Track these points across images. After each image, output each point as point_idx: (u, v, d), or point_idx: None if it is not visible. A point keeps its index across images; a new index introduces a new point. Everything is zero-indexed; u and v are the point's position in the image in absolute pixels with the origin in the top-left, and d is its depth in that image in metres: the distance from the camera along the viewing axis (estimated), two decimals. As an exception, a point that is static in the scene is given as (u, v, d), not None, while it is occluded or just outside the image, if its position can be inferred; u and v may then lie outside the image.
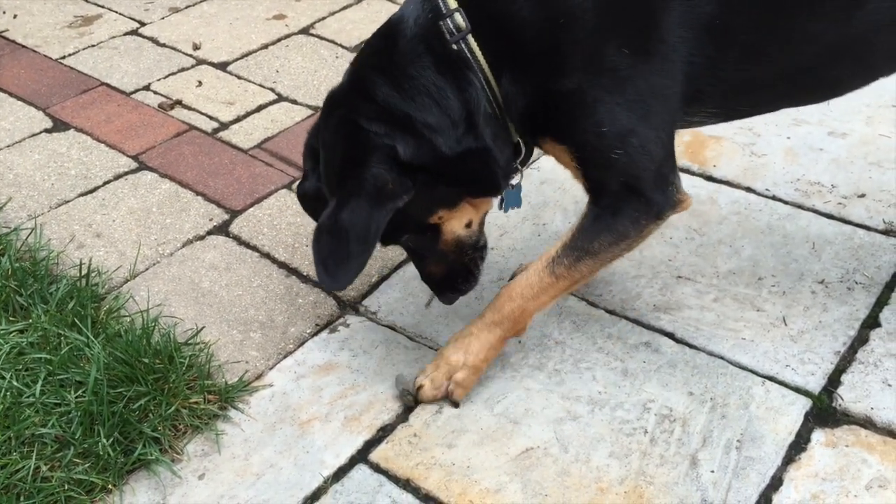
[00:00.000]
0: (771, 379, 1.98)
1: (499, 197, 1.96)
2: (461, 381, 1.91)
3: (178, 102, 3.05)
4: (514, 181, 1.94)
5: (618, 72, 1.66)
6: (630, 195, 1.75)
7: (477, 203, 1.91)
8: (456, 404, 1.92)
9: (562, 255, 1.82)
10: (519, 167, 1.90)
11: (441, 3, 1.72)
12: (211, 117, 2.98)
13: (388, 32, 1.80)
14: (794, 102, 2.02)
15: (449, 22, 1.70)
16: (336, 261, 1.73)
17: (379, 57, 1.78)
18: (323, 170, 1.86)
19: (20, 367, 1.94)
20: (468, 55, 1.70)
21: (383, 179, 1.70)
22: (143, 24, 3.56)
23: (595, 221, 1.79)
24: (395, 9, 3.58)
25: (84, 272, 2.22)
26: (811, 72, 1.80)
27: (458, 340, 1.93)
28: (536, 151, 1.96)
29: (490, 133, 1.77)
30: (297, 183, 2.07)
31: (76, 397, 1.86)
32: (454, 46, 1.71)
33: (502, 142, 1.81)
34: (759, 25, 1.70)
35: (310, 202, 1.98)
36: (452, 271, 1.99)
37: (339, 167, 1.77)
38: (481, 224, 2.00)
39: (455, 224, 1.91)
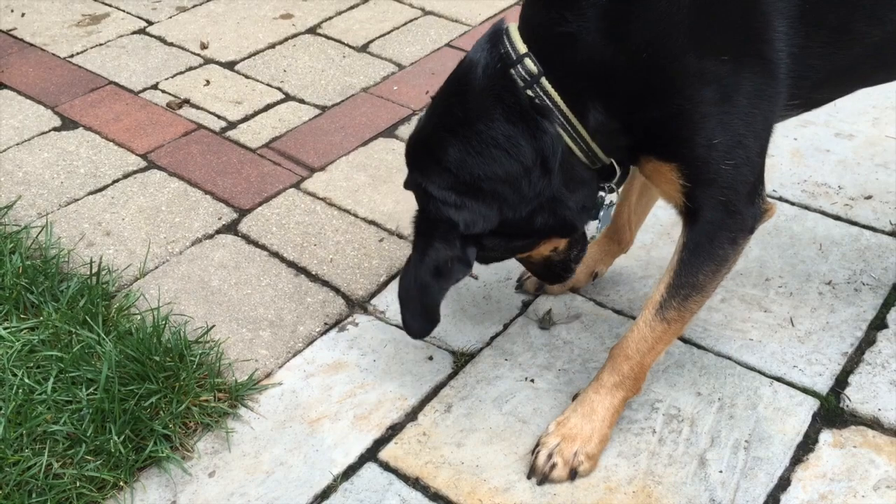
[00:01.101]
0: (778, 379, 1.99)
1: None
2: (592, 454, 1.79)
3: (186, 101, 3.06)
4: (608, 201, 1.89)
5: (722, 81, 1.57)
6: (725, 214, 1.67)
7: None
8: (574, 478, 1.79)
9: (668, 297, 1.73)
10: (614, 187, 1.84)
11: (510, 49, 1.65)
12: (219, 116, 2.99)
13: (457, 83, 1.74)
14: (866, 83, 1.91)
15: (520, 68, 1.64)
16: (409, 315, 1.83)
17: (448, 114, 1.72)
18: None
19: (32, 364, 1.95)
20: (545, 100, 1.64)
21: (443, 257, 1.73)
22: (150, 23, 3.57)
23: (694, 253, 1.70)
24: (401, 8, 3.65)
25: (94, 270, 2.23)
26: (890, 46, 1.69)
27: (580, 408, 1.83)
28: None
29: (564, 180, 1.72)
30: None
31: (88, 395, 1.87)
32: (529, 93, 1.64)
33: (581, 183, 1.75)
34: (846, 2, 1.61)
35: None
36: (547, 269, 2.04)
37: (414, 222, 1.82)
38: (576, 241, 2.00)
39: (541, 251, 1.94)
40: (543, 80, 1.64)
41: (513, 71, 1.65)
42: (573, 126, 1.66)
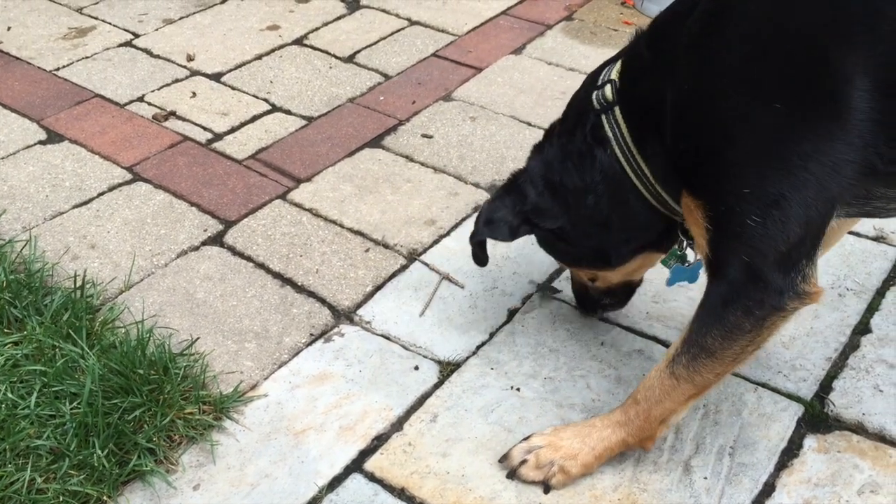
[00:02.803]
0: (763, 385, 1.99)
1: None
2: (568, 470, 1.77)
3: (172, 114, 3.06)
4: (690, 257, 1.90)
5: (770, 130, 1.46)
6: (747, 280, 1.53)
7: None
8: (548, 490, 1.78)
9: (680, 352, 1.65)
10: (693, 247, 1.79)
11: (605, 73, 1.75)
12: (205, 128, 2.99)
13: (576, 92, 1.86)
14: None
15: (600, 94, 1.73)
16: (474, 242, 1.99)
17: (561, 119, 1.88)
18: None
19: (15, 379, 1.94)
20: (613, 128, 1.70)
21: (500, 216, 1.87)
22: (136, 35, 3.57)
23: (707, 312, 1.60)
24: (388, 19, 3.67)
25: (79, 284, 2.22)
26: None
27: (579, 427, 1.81)
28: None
29: (618, 210, 1.76)
30: None
31: (71, 409, 1.87)
32: (604, 118, 1.72)
33: (635, 218, 1.77)
34: None
35: None
36: (582, 294, 2.13)
37: (513, 173, 1.95)
38: (616, 290, 2.06)
39: (581, 272, 2.05)
40: (616, 109, 1.70)
41: (594, 95, 1.74)
42: (634, 157, 1.69)
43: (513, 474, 1.80)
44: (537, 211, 1.84)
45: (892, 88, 1.39)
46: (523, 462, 1.79)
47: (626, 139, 1.69)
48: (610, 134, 1.71)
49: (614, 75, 1.72)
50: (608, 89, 1.71)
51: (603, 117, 1.72)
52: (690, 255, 1.89)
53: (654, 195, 1.72)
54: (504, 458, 1.82)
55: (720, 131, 1.52)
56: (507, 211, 1.86)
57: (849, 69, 1.40)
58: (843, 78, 1.40)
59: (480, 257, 2.00)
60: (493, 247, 2.41)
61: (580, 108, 1.79)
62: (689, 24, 1.57)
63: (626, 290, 2.09)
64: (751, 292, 1.54)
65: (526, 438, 1.84)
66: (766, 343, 1.62)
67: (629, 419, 1.76)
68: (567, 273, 2.31)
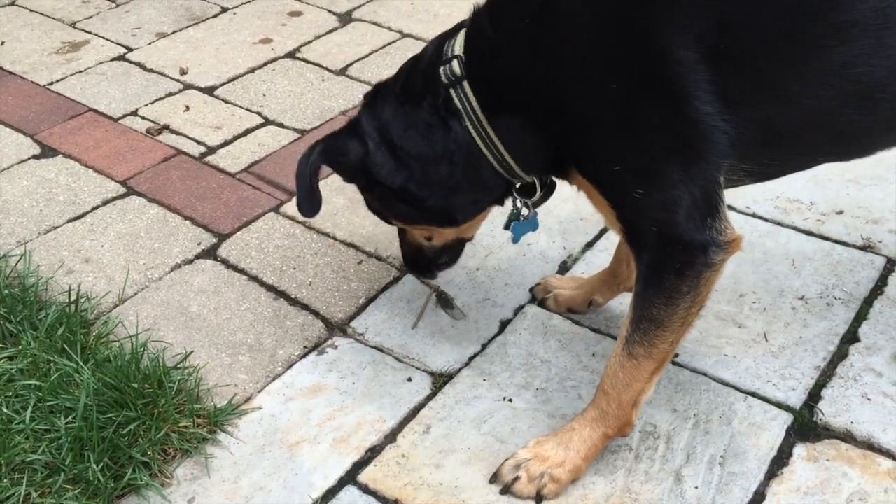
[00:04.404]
0: (753, 395, 2.01)
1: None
2: (558, 478, 1.78)
3: (166, 127, 3.08)
4: (524, 212, 1.97)
5: (616, 110, 1.55)
6: (667, 245, 1.59)
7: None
8: (540, 501, 1.79)
9: (632, 332, 1.69)
10: (530, 205, 1.92)
11: (448, 48, 1.78)
12: (198, 142, 3.00)
13: (414, 61, 1.89)
14: (829, 156, 1.76)
15: (448, 69, 1.75)
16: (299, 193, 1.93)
17: (398, 82, 1.89)
18: None
19: (10, 393, 1.95)
20: (463, 102, 1.74)
21: (342, 149, 1.86)
22: (130, 49, 3.59)
23: (645, 285, 1.65)
24: (380, 31, 3.70)
25: (73, 298, 2.23)
26: (840, 116, 1.54)
27: (560, 435, 1.83)
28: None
29: (469, 176, 1.81)
30: None
31: (66, 423, 1.88)
32: (452, 92, 1.75)
33: (484, 185, 1.84)
34: (770, 51, 1.48)
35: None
36: (416, 257, 2.15)
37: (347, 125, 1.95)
38: (452, 246, 2.11)
39: (416, 232, 2.07)
40: (465, 84, 1.74)
41: (441, 70, 1.77)
42: (485, 130, 1.75)
43: (507, 490, 1.81)
44: (375, 164, 1.85)
45: (716, 61, 1.46)
46: (516, 479, 1.80)
47: (478, 113, 1.74)
48: (460, 107, 1.75)
49: (458, 50, 1.75)
50: (455, 64, 1.74)
51: (452, 91, 1.75)
52: (525, 210, 1.97)
53: (504, 166, 1.79)
54: (494, 478, 1.84)
55: (577, 114, 1.61)
56: (353, 154, 1.86)
57: (670, 47, 1.47)
58: (667, 56, 1.48)
59: (313, 198, 1.91)
60: (485, 258, 2.44)
61: (425, 78, 1.80)
62: (533, 7, 1.61)
63: (460, 246, 2.15)
64: (678, 255, 1.60)
65: (507, 458, 1.85)
66: (706, 302, 1.67)
67: (603, 412, 1.79)
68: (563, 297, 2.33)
